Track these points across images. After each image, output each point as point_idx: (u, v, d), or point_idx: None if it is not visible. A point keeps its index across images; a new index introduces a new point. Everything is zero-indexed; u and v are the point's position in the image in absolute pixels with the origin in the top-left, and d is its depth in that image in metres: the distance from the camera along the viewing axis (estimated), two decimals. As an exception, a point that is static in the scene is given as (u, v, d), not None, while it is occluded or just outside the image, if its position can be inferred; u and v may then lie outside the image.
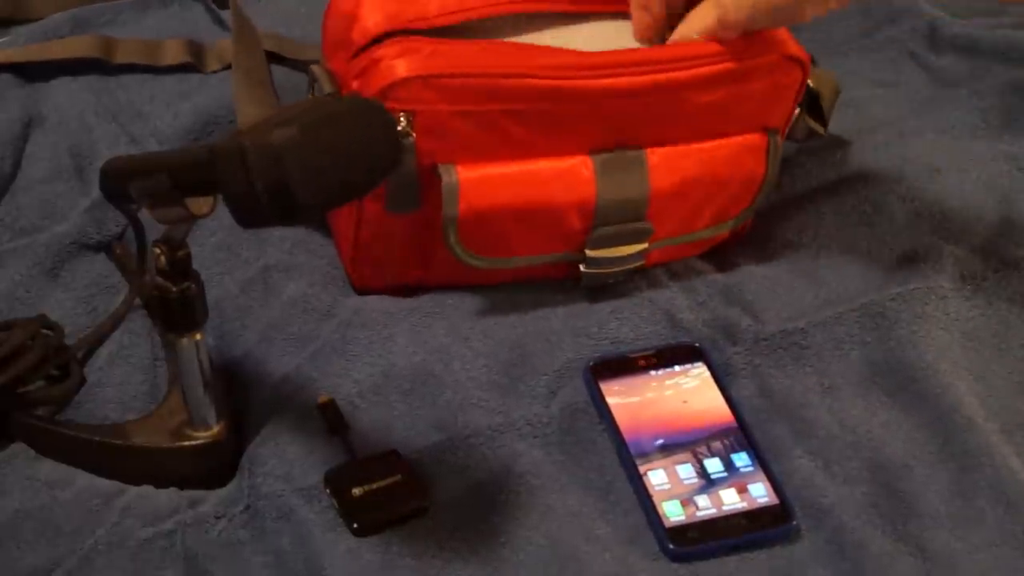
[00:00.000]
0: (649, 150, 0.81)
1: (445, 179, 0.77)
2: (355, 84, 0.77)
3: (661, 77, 0.78)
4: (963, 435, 0.77)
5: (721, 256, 0.91)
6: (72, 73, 1.03)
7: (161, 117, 0.99)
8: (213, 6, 1.10)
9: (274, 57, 1.04)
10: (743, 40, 0.80)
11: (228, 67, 1.03)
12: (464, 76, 0.75)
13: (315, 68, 0.83)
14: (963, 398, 0.79)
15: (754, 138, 0.84)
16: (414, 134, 0.75)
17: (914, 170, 0.97)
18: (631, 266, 0.86)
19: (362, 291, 0.86)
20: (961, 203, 0.95)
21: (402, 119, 0.74)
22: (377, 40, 0.77)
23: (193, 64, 1.04)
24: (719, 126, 0.83)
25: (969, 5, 1.17)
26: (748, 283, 0.89)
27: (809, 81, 0.87)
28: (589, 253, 0.83)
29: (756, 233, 0.92)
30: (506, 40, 0.79)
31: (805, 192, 0.96)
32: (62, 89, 1.02)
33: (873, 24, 1.16)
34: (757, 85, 0.81)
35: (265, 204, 0.57)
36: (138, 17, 1.10)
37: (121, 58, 1.04)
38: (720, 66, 0.79)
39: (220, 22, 1.10)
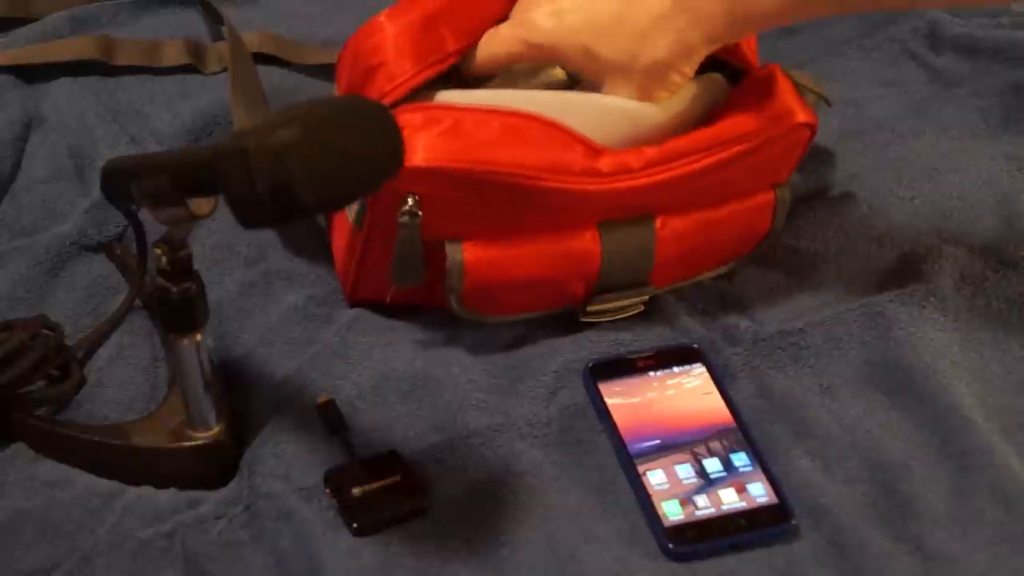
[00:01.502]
0: (659, 220, 0.81)
1: (450, 257, 0.77)
2: None
3: (675, 173, 0.78)
4: (963, 435, 0.77)
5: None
6: (72, 73, 1.03)
7: (161, 118, 0.99)
8: (208, 19, 1.10)
9: (273, 59, 1.04)
10: (754, 119, 0.79)
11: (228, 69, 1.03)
12: (477, 171, 0.74)
13: None
14: (963, 398, 0.79)
15: (763, 197, 0.84)
16: (421, 213, 0.75)
17: (914, 170, 0.97)
18: (628, 314, 0.85)
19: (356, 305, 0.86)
20: (961, 203, 0.95)
21: (410, 200, 0.74)
22: (402, 99, 0.77)
23: (193, 65, 1.04)
24: (730, 193, 0.83)
25: (968, 5, 1.17)
26: (747, 283, 0.89)
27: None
28: (589, 308, 0.84)
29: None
30: (525, 113, 0.77)
31: (804, 192, 0.96)
32: (62, 89, 1.02)
33: (873, 24, 1.15)
34: (768, 155, 0.81)
35: (267, 205, 0.57)
36: (137, 17, 1.10)
37: (121, 59, 1.04)
38: (733, 149, 0.78)
39: (215, 32, 1.09)
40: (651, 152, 0.78)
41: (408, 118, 0.75)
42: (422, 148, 0.73)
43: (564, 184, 0.76)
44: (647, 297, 0.85)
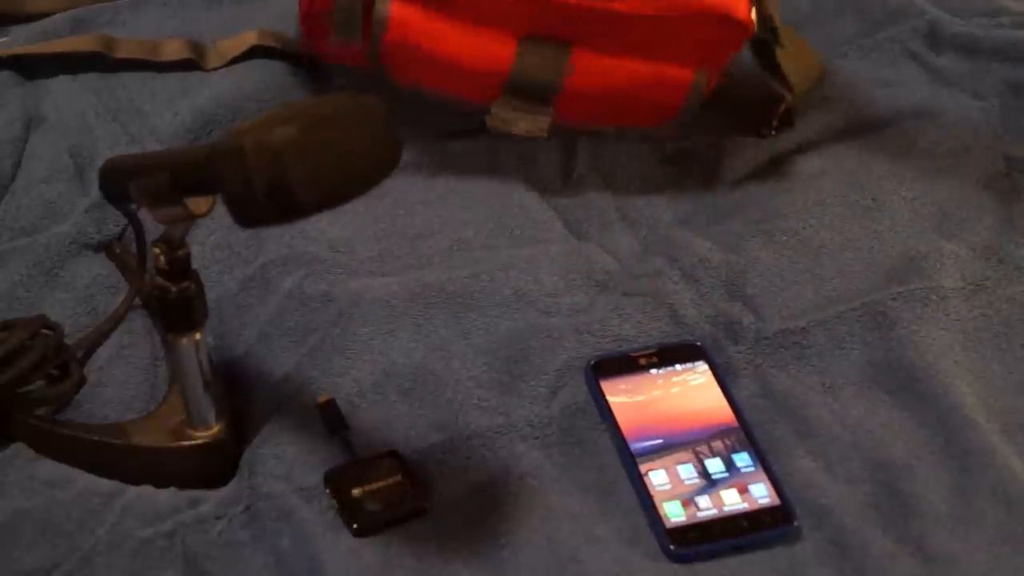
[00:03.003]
0: (576, 51, 0.86)
1: (378, 9, 0.83)
2: None
3: (599, 5, 0.83)
4: (964, 435, 0.77)
5: (725, 239, 0.91)
6: (72, 72, 1.03)
7: (161, 116, 0.99)
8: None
9: (274, 54, 1.04)
10: None
11: (228, 65, 1.03)
12: None
13: None
14: (964, 398, 0.79)
15: (682, 73, 0.87)
16: None
17: (915, 170, 0.97)
18: (533, 135, 0.90)
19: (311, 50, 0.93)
20: (961, 203, 0.95)
21: None
22: None
23: (194, 62, 1.04)
24: (651, 51, 0.86)
25: (969, 5, 1.17)
26: (751, 274, 0.88)
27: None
28: (493, 110, 0.89)
29: (761, 217, 0.93)
30: None
31: (811, 182, 0.96)
32: (62, 88, 1.02)
33: (873, 24, 1.15)
34: (697, 33, 0.84)
35: (264, 203, 0.57)
36: (138, 16, 1.10)
37: (121, 53, 1.03)
38: (658, 9, 0.83)
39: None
40: None
41: None
42: None
43: None
44: (549, 122, 0.89)
